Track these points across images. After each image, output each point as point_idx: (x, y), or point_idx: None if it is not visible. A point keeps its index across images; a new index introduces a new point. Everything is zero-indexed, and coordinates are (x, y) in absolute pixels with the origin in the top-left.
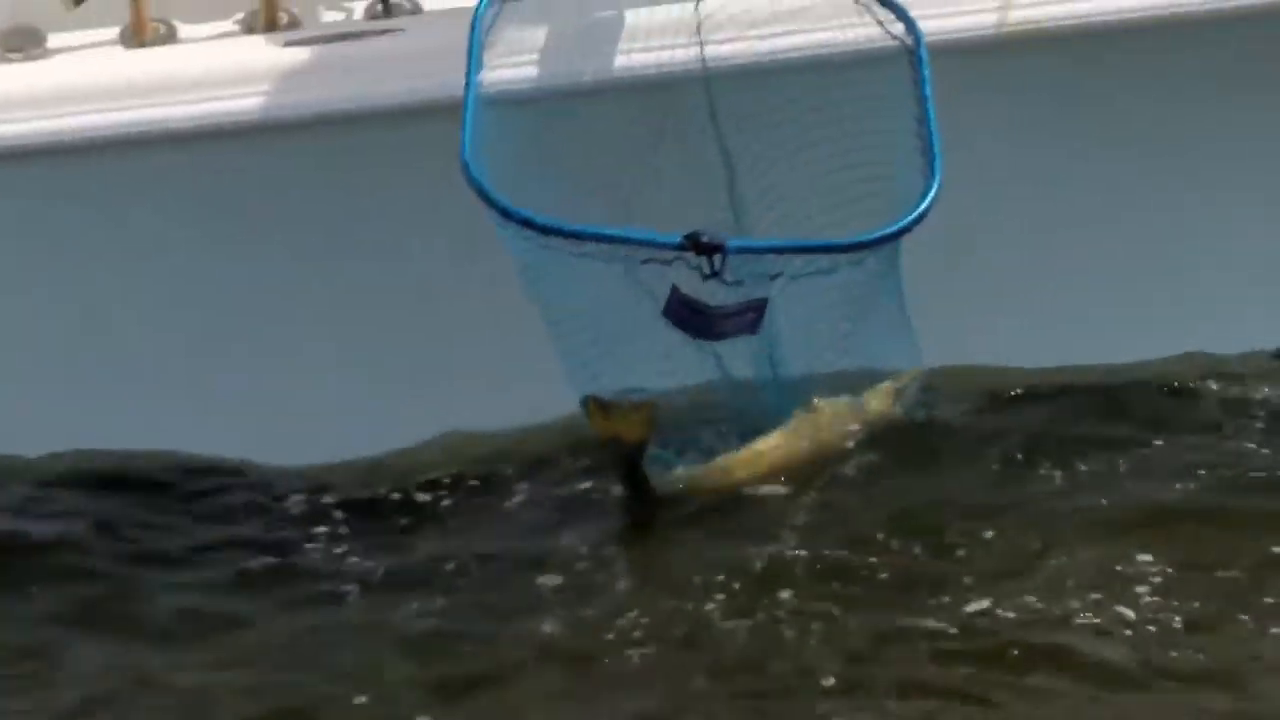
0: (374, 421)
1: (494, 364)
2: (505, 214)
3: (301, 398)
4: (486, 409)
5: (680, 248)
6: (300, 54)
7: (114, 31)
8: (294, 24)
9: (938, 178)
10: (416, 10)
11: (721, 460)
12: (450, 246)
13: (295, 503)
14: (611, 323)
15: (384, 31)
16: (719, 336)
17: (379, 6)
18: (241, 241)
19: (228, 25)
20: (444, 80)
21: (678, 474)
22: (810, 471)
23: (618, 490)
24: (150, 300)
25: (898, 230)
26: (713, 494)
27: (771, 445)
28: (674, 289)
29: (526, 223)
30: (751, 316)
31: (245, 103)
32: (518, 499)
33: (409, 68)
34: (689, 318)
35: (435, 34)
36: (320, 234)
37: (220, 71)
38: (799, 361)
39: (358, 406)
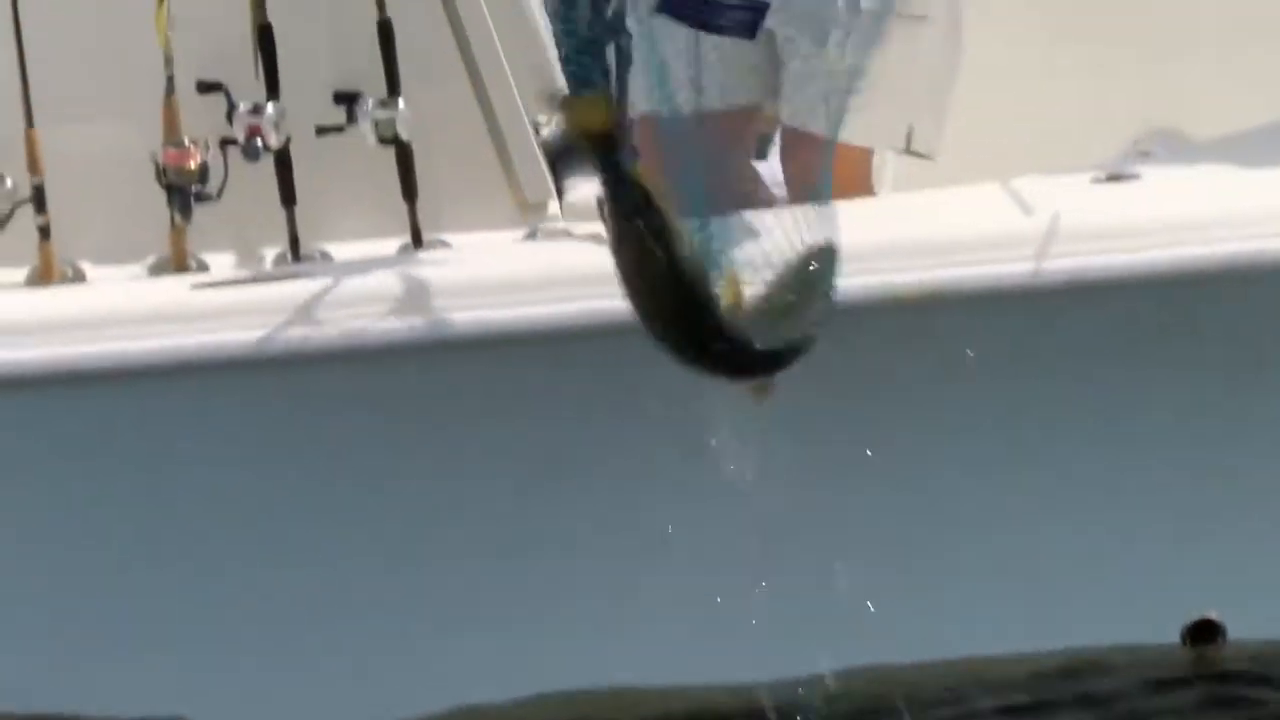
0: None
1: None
2: None
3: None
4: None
5: None
6: (205, 296)
7: (20, 274)
8: (203, 269)
9: None
10: (327, 259)
11: None
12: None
13: None
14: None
15: (290, 277)
16: (718, 29)
17: (288, 255)
18: (145, 483)
19: (136, 270)
20: (343, 328)
21: None
22: None
23: None
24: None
25: None
26: None
27: None
28: None
29: None
30: (748, 16)
31: (148, 344)
32: None
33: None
34: (687, 3)
35: (342, 279)
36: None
37: (125, 311)
38: None
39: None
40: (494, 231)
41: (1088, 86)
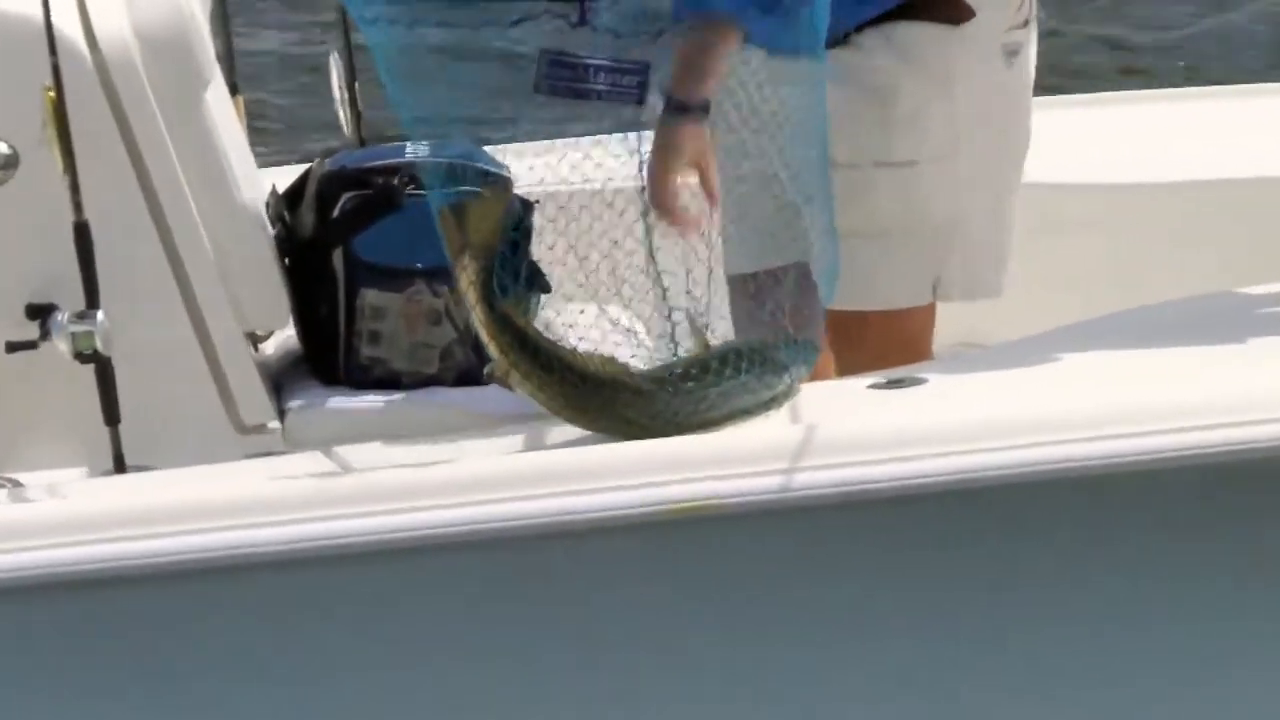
0: None
1: None
2: None
3: None
4: None
5: None
6: None
7: None
8: None
9: None
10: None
11: None
12: None
13: None
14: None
15: None
16: (598, 95)
17: None
18: None
19: None
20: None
21: None
22: None
23: None
24: None
25: None
26: None
27: None
28: (541, 53)
29: None
30: (632, 80)
31: None
32: None
33: None
34: (562, 75)
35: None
36: None
37: None
38: None
39: None
40: (208, 456)
41: None
